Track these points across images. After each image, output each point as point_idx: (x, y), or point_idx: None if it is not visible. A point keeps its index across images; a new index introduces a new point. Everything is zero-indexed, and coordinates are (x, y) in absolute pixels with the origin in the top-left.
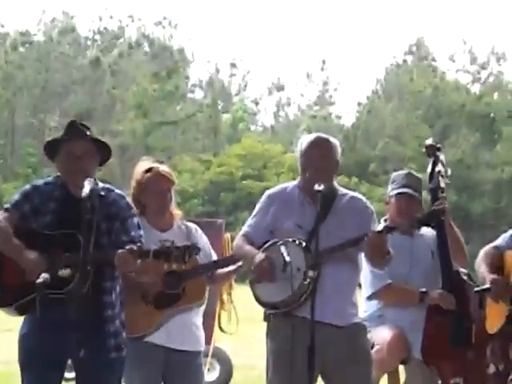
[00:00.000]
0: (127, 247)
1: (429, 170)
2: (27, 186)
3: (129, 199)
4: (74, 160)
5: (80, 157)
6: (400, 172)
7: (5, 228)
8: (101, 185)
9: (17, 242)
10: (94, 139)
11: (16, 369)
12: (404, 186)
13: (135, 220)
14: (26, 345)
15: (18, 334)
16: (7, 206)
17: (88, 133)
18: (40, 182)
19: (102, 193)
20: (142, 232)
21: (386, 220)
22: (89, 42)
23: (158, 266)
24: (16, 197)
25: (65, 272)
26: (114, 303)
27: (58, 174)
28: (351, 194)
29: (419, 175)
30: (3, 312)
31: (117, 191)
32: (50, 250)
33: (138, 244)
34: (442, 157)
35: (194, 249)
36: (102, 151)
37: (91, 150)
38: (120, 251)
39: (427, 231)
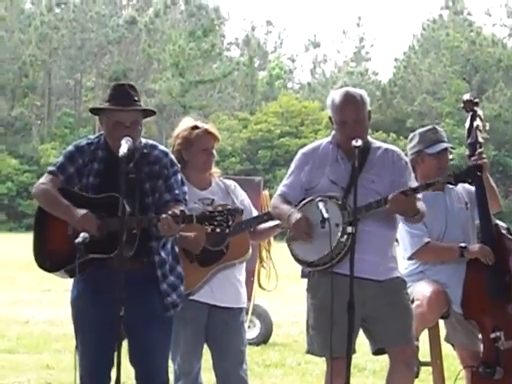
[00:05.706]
0: (170, 212)
1: (467, 124)
2: (70, 148)
3: (172, 156)
4: (121, 128)
5: (128, 126)
6: (424, 129)
7: (52, 190)
8: (144, 141)
9: (66, 202)
10: (142, 109)
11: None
12: (441, 142)
13: (179, 176)
14: (77, 308)
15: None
16: (51, 168)
17: (136, 99)
18: (83, 142)
19: (145, 150)
20: (185, 188)
21: (416, 178)
22: (124, 2)
23: (201, 230)
24: (60, 159)
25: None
26: (164, 261)
27: (101, 132)
28: (385, 146)
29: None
30: (56, 276)
31: (161, 148)
32: (95, 214)
33: (182, 206)
34: (479, 111)
35: (236, 211)
36: (146, 113)
37: (139, 118)
38: (163, 216)
39: None
